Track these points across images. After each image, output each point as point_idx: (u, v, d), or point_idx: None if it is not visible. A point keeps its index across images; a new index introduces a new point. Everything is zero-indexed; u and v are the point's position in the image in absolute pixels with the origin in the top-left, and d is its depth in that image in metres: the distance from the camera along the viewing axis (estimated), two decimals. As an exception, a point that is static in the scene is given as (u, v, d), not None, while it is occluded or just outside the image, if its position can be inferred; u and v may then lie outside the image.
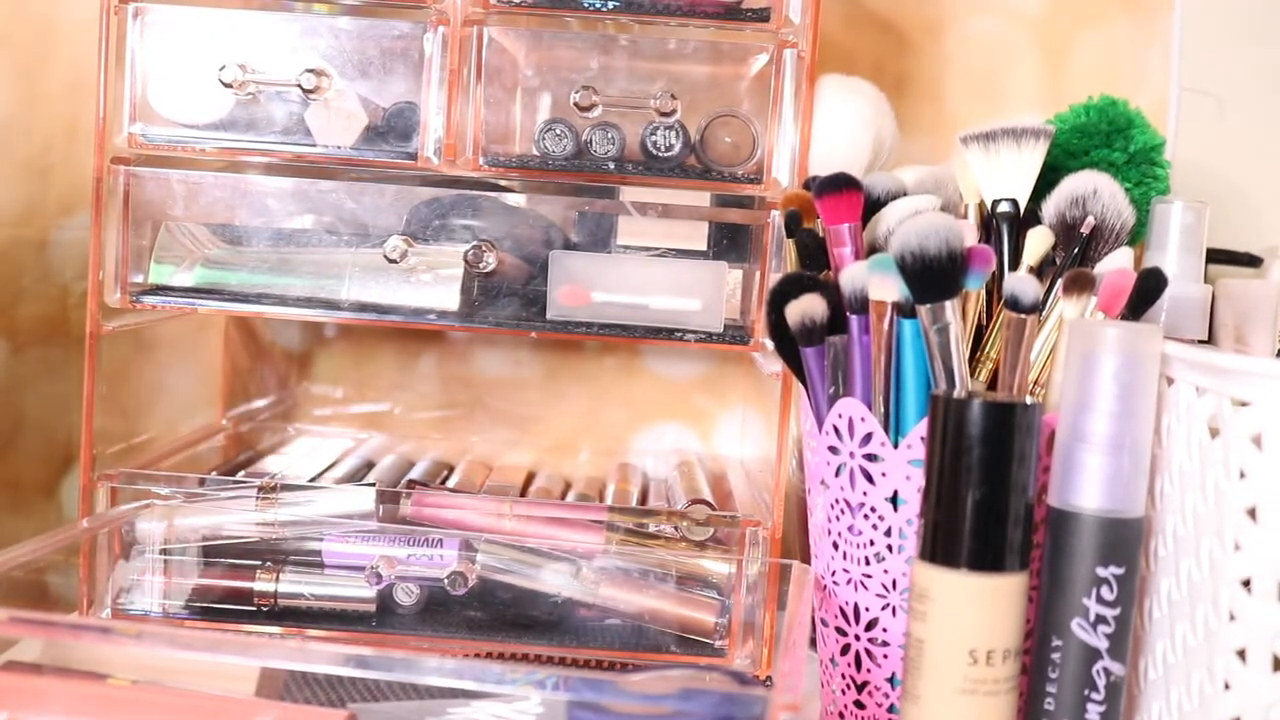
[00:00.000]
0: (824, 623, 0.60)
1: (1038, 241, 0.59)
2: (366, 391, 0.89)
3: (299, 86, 0.67)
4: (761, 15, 0.67)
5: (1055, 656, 0.50)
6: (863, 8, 0.86)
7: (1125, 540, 0.49)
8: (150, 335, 0.82)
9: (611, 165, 0.68)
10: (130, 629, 0.48)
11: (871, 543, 0.56)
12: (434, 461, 0.84)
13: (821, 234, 0.61)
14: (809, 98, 0.68)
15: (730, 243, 0.70)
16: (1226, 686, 0.46)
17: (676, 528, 0.69)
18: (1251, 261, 0.79)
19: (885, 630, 0.56)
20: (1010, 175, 0.62)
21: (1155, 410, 0.51)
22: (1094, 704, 0.49)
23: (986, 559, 0.48)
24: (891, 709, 0.57)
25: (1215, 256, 0.75)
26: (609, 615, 0.69)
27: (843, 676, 0.58)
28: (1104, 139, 0.67)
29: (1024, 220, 0.61)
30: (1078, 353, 0.50)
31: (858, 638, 0.57)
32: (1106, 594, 0.49)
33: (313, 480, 0.74)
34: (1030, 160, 0.62)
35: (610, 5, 0.67)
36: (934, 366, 0.54)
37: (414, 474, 0.79)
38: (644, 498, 0.78)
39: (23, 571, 0.57)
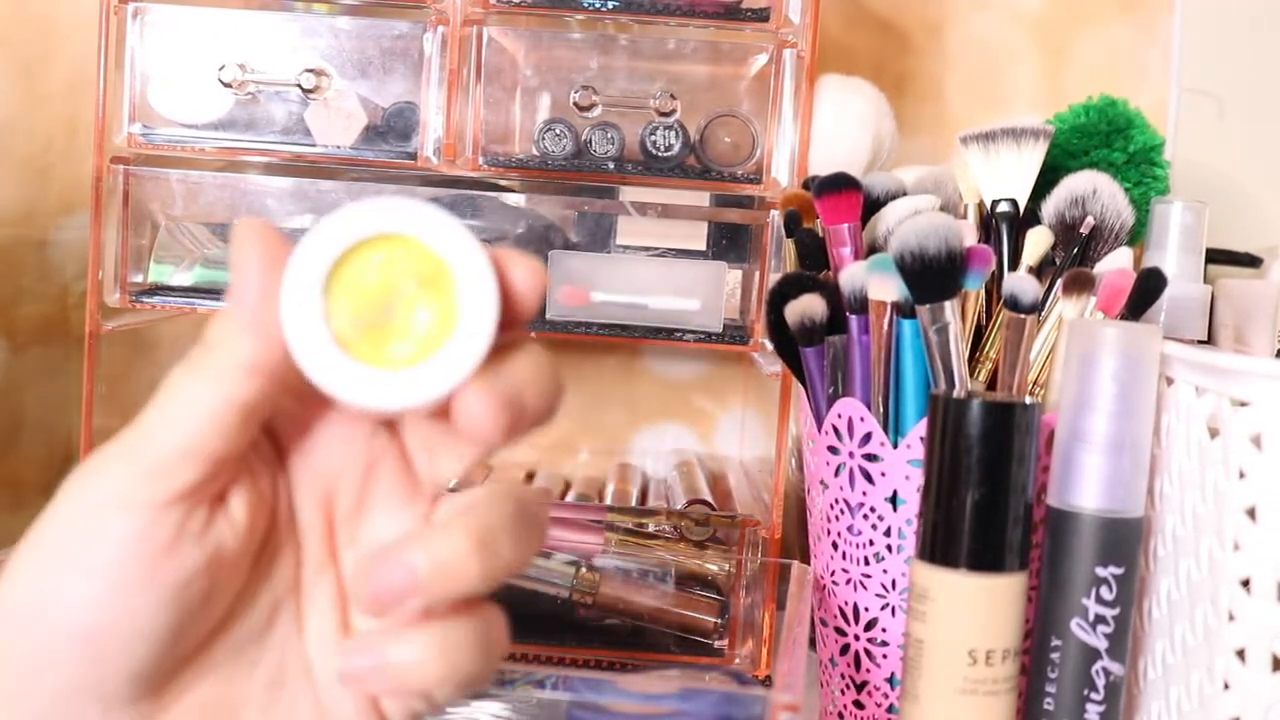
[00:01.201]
0: (823, 623, 0.60)
1: (1037, 241, 0.59)
2: (366, 391, 0.89)
3: (299, 86, 0.67)
4: (761, 15, 0.67)
5: (1054, 656, 0.50)
6: (863, 8, 0.86)
7: (1125, 540, 0.49)
8: (150, 335, 0.82)
9: (611, 165, 0.68)
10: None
11: (871, 543, 0.56)
12: (434, 461, 0.84)
13: (821, 234, 0.61)
14: (809, 98, 0.68)
15: (730, 243, 0.70)
16: (1226, 686, 0.46)
17: (676, 528, 0.69)
18: (1251, 261, 0.79)
19: (884, 630, 0.56)
20: (1010, 175, 0.62)
21: (1155, 410, 0.51)
22: (1093, 704, 0.49)
23: (986, 559, 0.48)
24: (891, 709, 0.57)
25: (1215, 256, 0.75)
26: (609, 615, 0.69)
27: (842, 676, 0.58)
28: (1103, 139, 0.67)
29: (1023, 220, 0.61)
30: (1077, 353, 0.50)
31: (857, 638, 0.57)
32: (1106, 594, 0.49)
33: (312, 480, 0.74)
34: (1030, 160, 0.62)
35: (610, 5, 0.67)
36: (933, 366, 0.54)
37: (413, 474, 0.79)
38: (644, 498, 0.78)
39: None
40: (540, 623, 0.69)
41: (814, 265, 0.61)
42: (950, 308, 0.54)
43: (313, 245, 0.30)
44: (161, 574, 0.30)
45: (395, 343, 0.30)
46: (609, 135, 0.68)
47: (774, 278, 0.64)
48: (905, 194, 0.62)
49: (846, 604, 0.57)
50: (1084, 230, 0.59)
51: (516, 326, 0.32)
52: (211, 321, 0.31)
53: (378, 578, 0.30)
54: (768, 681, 0.67)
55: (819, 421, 0.58)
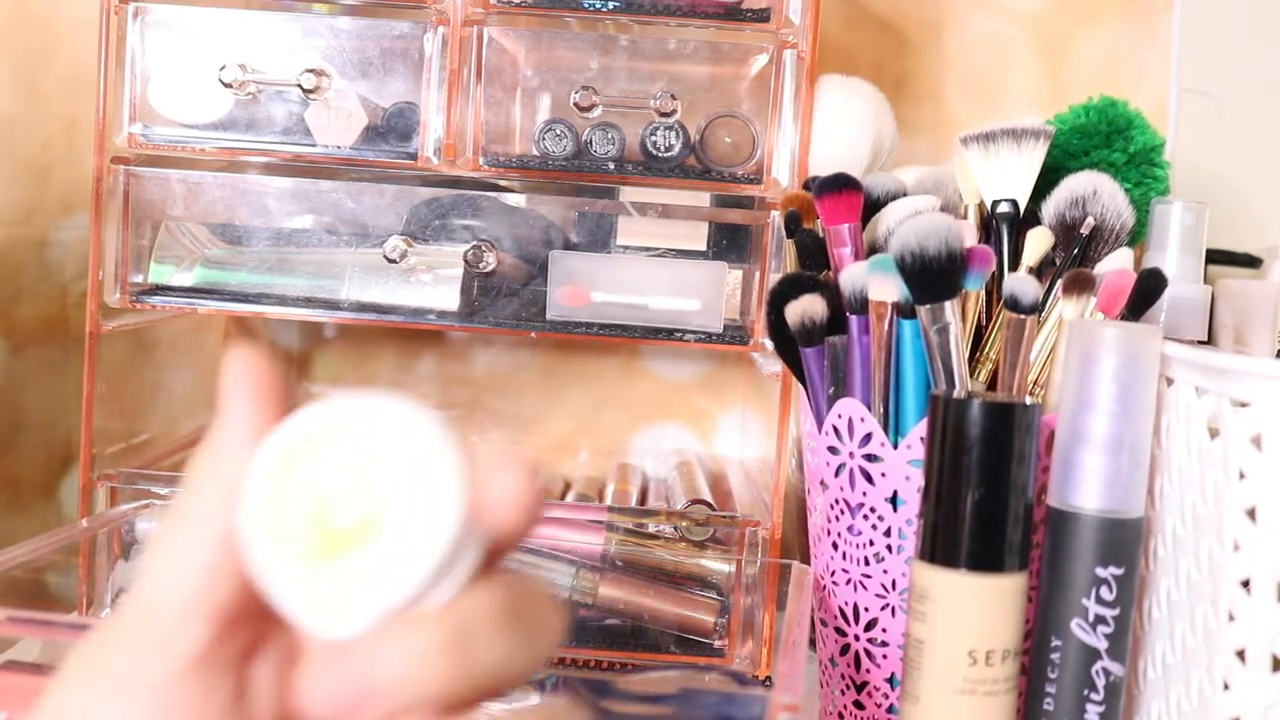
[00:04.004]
0: (823, 623, 0.60)
1: (1037, 242, 0.59)
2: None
3: (299, 86, 0.67)
4: (761, 15, 0.67)
5: (1055, 657, 0.50)
6: (863, 8, 0.86)
7: (1124, 540, 0.49)
8: (150, 335, 0.82)
9: (611, 165, 0.68)
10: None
11: (871, 543, 0.56)
12: (434, 461, 0.84)
13: (821, 234, 0.61)
14: (809, 98, 0.68)
15: (730, 243, 0.70)
16: (1226, 687, 0.46)
17: (676, 528, 0.69)
18: (1251, 262, 0.79)
19: (884, 630, 0.56)
20: (1010, 176, 0.62)
21: (1155, 410, 0.51)
22: (1093, 704, 0.49)
23: (986, 559, 0.48)
24: (891, 709, 0.57)
25: (1215, 257, 0.75)
26: (608, 615, 0.69)
27: (842, 677, 0.58)
28: (1104, 139, 0.67)
29: (1024, 221, 0.61)
30: (1077, 353, 0.50)
31: (857, 638, 0.57)
32: (1106, 594, 0.49)
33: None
34: (1030, 161, 0.62)
35: (610, 5, 0.67)
36: (934, 367, 0.54)
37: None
38: (643, 498, 0.78)
39: (22, 571, 0.57)
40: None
41: (814, 265, 0.61)
42: (950, 308, 0.54)
43: (280, 437, 0.27)
44: None
45: (335, 558, 0.26)
46: (609, 135, 0.68)
47: (774, 278, 0.64)
48: (905, 194, 0.62)
49: (846, 604, 0.57)
50: (1084, 231, 0.59)
51: (496, 554, 0.28)
52: (191, 464, 0.28)
53: (329, 682, 0.26)
54: (768, 682, 0.67)
55: (819, 422, 0.58)
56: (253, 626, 0.28)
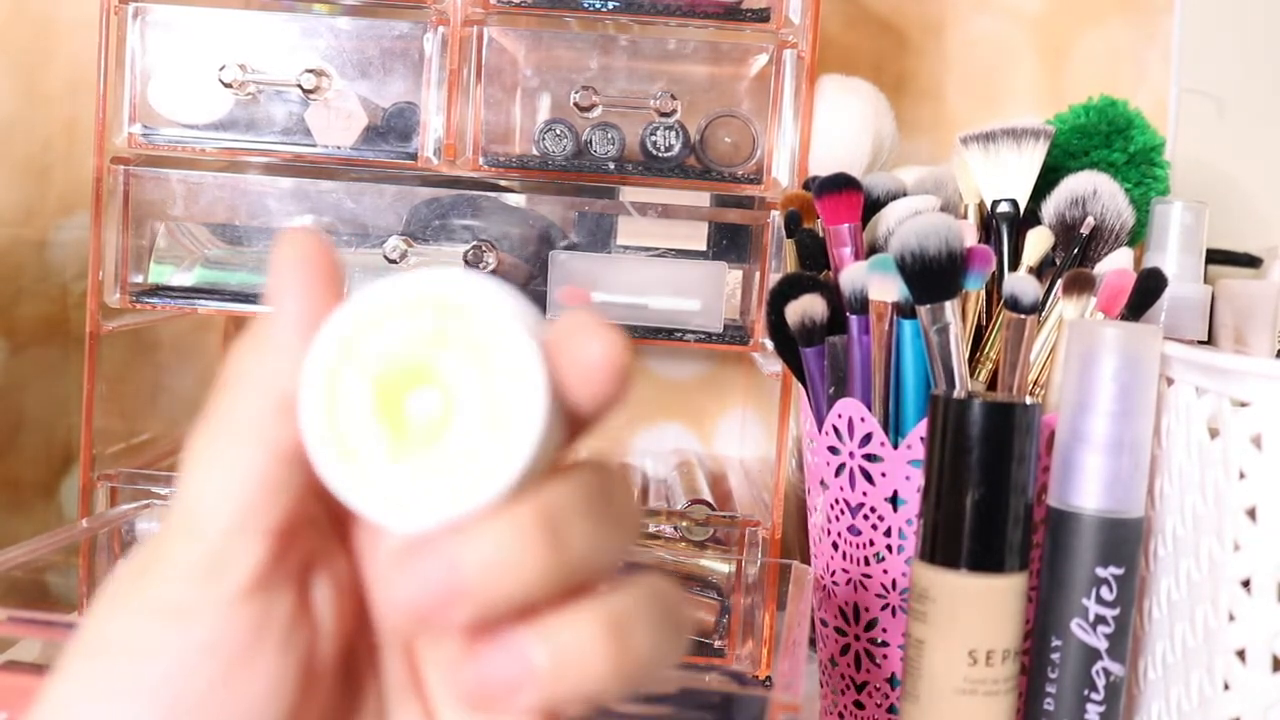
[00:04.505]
0: (823, 623, 0.60)
1: (1037, 242, 0.59)
2: (366, 391, 0.89)
3: (299, 86, 0.67)
4: (761, 15, 0.67)
5: (1055, 657, 0.50)
6: (863, 8, 0.86)
7: (1125, 540, 0.49)
8: (150, 335, 0.82)
9: (611, 165, 0.68)
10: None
11: (871, 543, 0.56)
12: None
13: (821, 234, 0.61)
14: (809, 98, 0.68)
15: (730, 243, 0.70)
16: (1226, 687, 0.46)
17: (676, 528, 0.69)
18: (1251, 261, 0.79)
19: (885, 630, 0.56)
20: (1010, 175, 0.62)
21: (1155, 410, 0.51)
22: (1093, 704, 0.49)
23: (986, 559, 0.48)
24: (891, 709, 0.57)
25: (1215, 256, 0.75)
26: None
27: (842, 677, 0.58)
28: (1104, 139, 0.67)
29: (1024, 220, 0.61)
30: (1077, 353, 0.50)
31: (857, 638, 0.57)
32: (1106, 594, 0.49)
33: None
34: (1030, 160, 0.62)
35: (610, 5, 0.67)
36: (934, 367, 0.54)
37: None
38: (644, 498, 0.78)
39: (23, 571, 0.57)
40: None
41: (814, 265, 0.61)
42: (950, 308, 0.54)
43: (339, 320, 0.25)
44: (239, 693, 0.24)
45: (412, 449, 0.24)
46: (609, 135, 0.68)
47: (774, 278, 0.64)
48: (906, 194, 0.62)
49: (846, 604, 0.57)
50: (1084, 230, 0.59)
51: (581, 429, 0.26)
52: (230, 361, 0.26)
53: (486, 667, 0.24)
54: (768, 682, 0.67)
55: (819, 421, 0.58)
56: (310, 539, 0.26)
